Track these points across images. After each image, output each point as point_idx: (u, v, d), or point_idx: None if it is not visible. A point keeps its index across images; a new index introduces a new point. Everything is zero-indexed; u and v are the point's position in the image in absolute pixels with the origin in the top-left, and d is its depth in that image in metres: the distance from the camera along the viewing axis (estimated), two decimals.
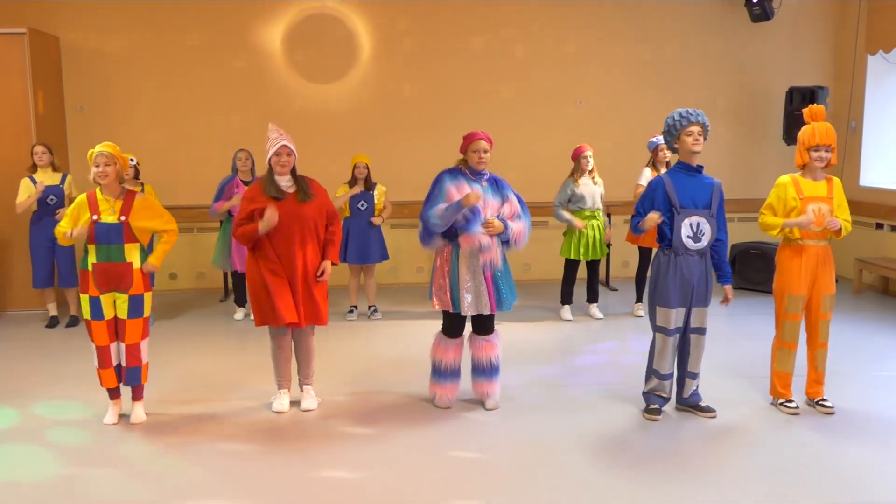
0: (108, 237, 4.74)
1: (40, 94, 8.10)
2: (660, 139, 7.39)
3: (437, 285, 5.09)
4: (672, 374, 5.09)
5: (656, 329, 5.03)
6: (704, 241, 4.89)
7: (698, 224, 4.85)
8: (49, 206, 7.24)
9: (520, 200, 5.15)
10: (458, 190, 4.94)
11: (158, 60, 8.90)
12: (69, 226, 4.77)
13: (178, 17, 8.82)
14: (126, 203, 4.80)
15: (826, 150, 4.90)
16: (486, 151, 5.00)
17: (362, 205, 7.50)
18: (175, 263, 9.04)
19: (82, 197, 4.83)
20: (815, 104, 5.03)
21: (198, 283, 9.18)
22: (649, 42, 9.46)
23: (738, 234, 9.23)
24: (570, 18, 9.31)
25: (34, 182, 7.21)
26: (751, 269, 8.88)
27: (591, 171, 7.44)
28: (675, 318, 4.94)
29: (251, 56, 9.00)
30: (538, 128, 9.41)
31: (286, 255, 4.93)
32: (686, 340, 5.06)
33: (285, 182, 4.98)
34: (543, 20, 9.28)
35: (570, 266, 7.66)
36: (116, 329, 4.90)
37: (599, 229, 7.50)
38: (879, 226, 8.93)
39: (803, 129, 4.97)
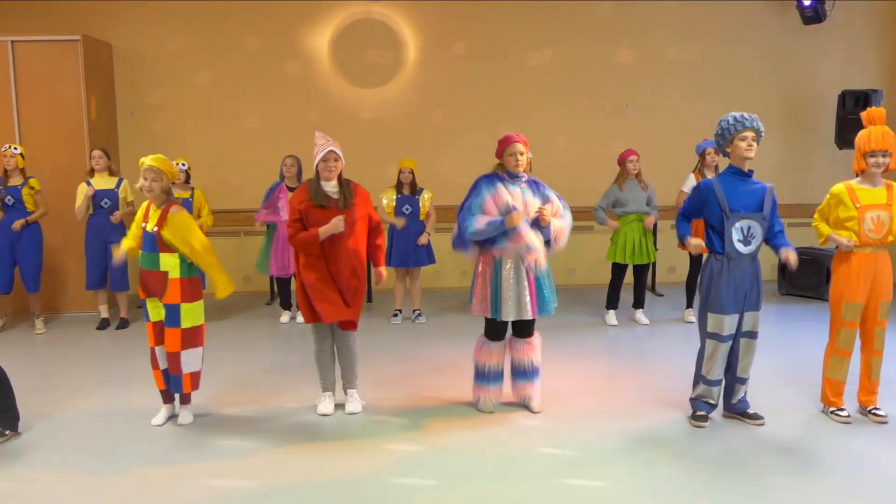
0: (147, 245, 4.88)
1: (93, 100, 8.27)
2: (709, 143, 7.29)
3: (478, 290, 5.09)
4: (721, 381, 5.01)
5: (708, 336, 4.91)
6: (754, 245, 4.81)
7: (749, 227, 4.77)
8: (104, 209, 7.40)
9: (560, 200, 5.12)
10: (494, 199, 4.91)
11: (207, 66, 9.03)
12: (130, 238, 5.02)
13: (228, 23, 8.95)
14: (162, 215, 4.86)
15: (883, 156, 4.77)
16: (522, 154, 4.96)
17: (407, 208, 7.53)
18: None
19: (144, 205, 4.99)
20: (872, 107, 4.90)
21: (244, 287, 9.27)
22: (699, 45, 9.35)
23: (789, 239, 9.02)
24: (619, 22, 9.24)
25: (90, 185, 7.37)
26: (801, 275, 8.70)
27: (637, 175, 7.39)
28: (728, 324, 4.84)
29: (300, 61, 9.08)
30: (584, 132, 9.35)
31: (334, 260, 4.97)
32: (736, 345, 4.96)
33: (331, 187, 5.00)
34: (592, 23, 9.23)
35: (618, 270, 7.60)
36: (162, 333, 4.99)
37: (646, 233, 7.43)
38: None
39: (860, 133, 4.84)
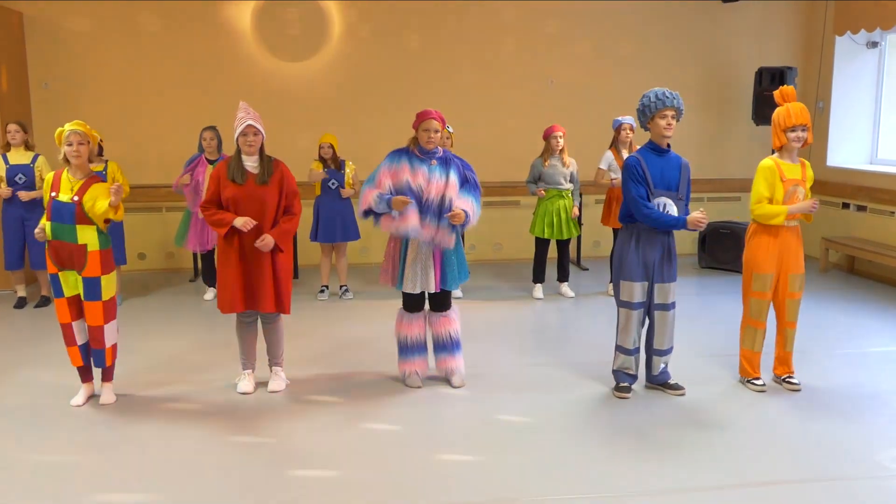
0: (62, 216, 4.70)
1: (3, 70, 7.93)
2: (625, 119, 7.41)
3: (385, 262, 5.18)
4: (638, 350, 5.12)
5: (620, 304, 5.05)
6: None
7: (665, 205, 4.88)
8: (18, 184, 7.14)
9: (473, 180, 5.09)
10: (391, 173, 4.97)
11: (125, 37, 8.73)
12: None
13: None
14: (84, 185, 4.74)
15: (802, 130, 4.93)
16: (436, 131, 4.97)
17: (332, 183, 7.47)
18: (144, 243, 8.95)
19: (50, 175, 4.81)
20: (784, 85, 5.05)
21: (167, 263, 9.09)
22: (619, 22, 9.44)
23: (708, 213, 9.22)
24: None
25: (5, 160, 7.12)
26: (720, 248, 8.95)
27: (560, 151, 7.44)
28: (639, 292, 4.97)
29: (220, 33, 8.86)
30: (509, 107, 9.37)
31: (244, 239, 4.88)
32: (651, 317, 5.09)
33: (251, 163, 4.91)
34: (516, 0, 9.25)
35: (541, 245, 7.68)
36: (80, 307, 4.87)
37: (567, 209, 7.51)
38: (846, 205, 9.03)
39: (777, 111, 4.99)
